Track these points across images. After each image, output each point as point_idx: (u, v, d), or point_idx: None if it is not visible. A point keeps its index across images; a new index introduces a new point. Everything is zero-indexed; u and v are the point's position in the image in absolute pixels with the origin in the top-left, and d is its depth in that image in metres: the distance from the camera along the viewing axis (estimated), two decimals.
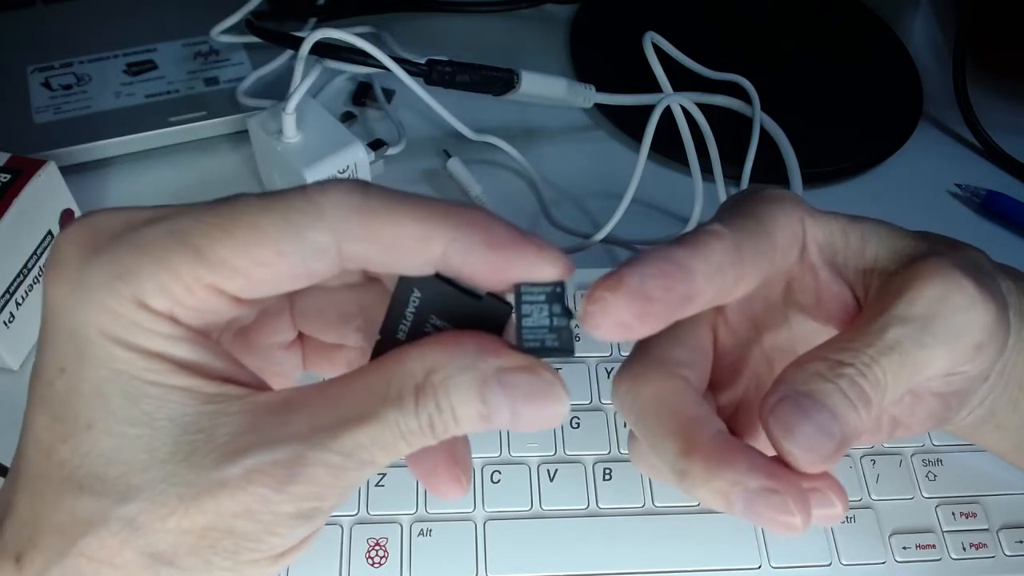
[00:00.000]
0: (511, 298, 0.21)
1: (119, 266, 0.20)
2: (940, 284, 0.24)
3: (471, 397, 0.20)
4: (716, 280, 0.23)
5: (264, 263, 0.20)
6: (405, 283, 0.21)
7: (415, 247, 0.20)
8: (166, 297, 0.20)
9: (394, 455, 0.21)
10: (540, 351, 0.21)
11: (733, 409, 0.30)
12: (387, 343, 0.22)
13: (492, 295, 0.21)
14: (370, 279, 0.25)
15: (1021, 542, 0.37)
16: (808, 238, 0.27)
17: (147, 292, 0.20)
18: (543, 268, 0.20)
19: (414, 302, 0.21)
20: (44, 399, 0.21)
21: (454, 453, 0.24)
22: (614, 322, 0.22)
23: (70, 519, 0.20)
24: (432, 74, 0.46)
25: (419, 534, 0.36)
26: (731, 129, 0.50)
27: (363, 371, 0.21)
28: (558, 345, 0.21)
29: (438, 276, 0.21)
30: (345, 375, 0.21)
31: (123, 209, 0.21)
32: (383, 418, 0.20)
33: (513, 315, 0.21)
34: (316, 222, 0.20)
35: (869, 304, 0.26)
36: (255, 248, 0.20)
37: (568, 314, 0.21)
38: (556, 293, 0.20)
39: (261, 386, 0.22)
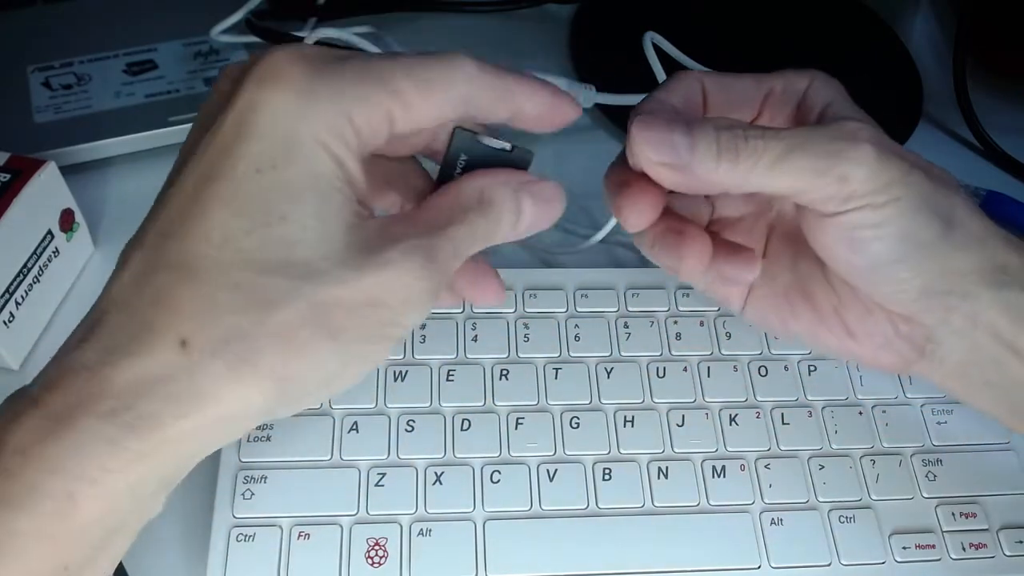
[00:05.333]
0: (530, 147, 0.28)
1: (341, 83, 0.24)
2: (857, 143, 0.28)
3: (510, 203, 0.27)
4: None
5: (430, 95, 0.25)
6: (457, 141, 0.28)
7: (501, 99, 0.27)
8: (364, 117, 0.24)
9: (471, 248, 0.27)
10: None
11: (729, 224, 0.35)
12: (446, 180, 0.29)
13: (516, 147, 0.28)
14: (406, 158, 0.31)
15: (1021, 542, 0.37)
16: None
17: (355, 110, 0.24)
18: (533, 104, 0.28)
19: (462, 162, 0.28)
20: (226, 198, 0.23)
21: (488, 271, 0.30)
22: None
23: (250, 301, 0.23)
24: None
25: (419, 534, 0.36)
26: None
27: (441, 196, 0.27)
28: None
29: (470, 132, 0.27)
30: (428, 200, 0.27)
31: (317, 46, 0.26)
32: (467, 221, 0.26)
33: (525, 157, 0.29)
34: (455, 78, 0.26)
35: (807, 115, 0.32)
36: (424, 88, 0.25)
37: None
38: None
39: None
